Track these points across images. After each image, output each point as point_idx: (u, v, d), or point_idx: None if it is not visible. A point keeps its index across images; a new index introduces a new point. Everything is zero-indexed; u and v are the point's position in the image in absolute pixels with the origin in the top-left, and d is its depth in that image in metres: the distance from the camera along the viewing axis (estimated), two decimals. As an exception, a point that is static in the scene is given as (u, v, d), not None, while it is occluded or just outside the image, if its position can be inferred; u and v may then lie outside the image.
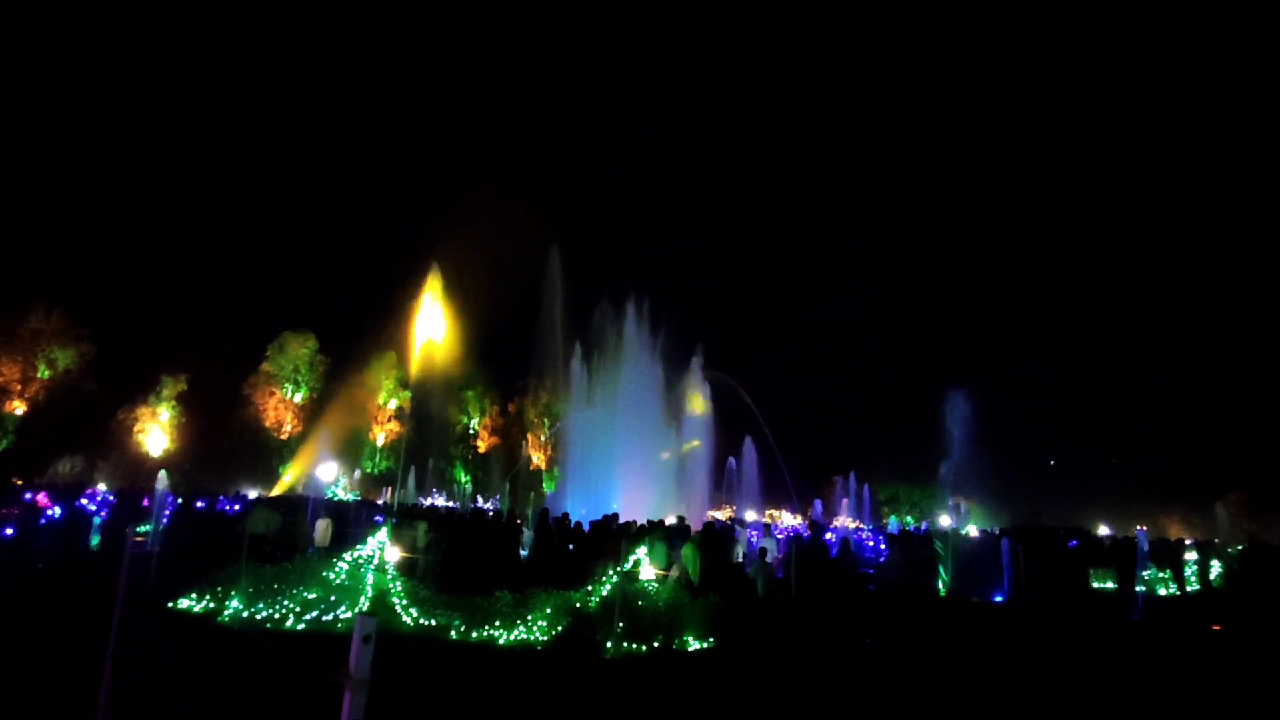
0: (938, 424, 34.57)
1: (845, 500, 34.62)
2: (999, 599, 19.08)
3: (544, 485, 48.52)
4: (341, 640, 12.38)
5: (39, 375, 49.72)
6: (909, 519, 38.85)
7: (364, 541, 14.44)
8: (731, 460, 34.05)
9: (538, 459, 51.90)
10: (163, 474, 24.51)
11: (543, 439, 52.21)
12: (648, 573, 14.64)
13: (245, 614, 12.90)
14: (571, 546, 17.79)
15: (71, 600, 14.23)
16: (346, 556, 14.13)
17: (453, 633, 12.57)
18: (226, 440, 50.92)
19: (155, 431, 52.25)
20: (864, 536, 27.11)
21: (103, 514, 20.84)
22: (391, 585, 13.71)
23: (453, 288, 47.01)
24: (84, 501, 20.79)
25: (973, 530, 28.74)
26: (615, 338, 30.31)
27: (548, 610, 12.86)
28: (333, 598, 13.31)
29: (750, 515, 31.29)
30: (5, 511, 20.43)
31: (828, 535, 23.09)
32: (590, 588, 13.60)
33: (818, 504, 32.95)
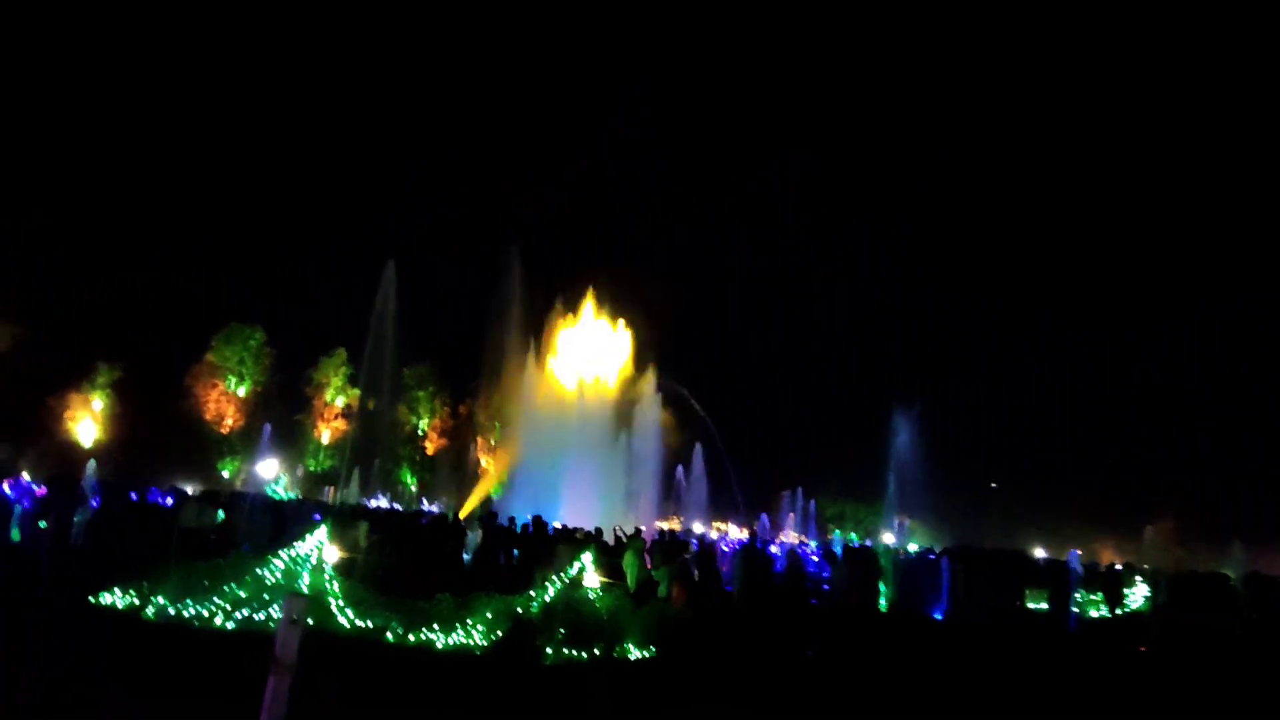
0: (885, 442, 35.15)
1: (792, 515, 34.91)
2: (938, 615, 19.39)
3: (492, 490, 47.98)
4: (271, 640, 12.04)
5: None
6: (854, 535, 39.35)
7: (302, 540, 14.06)
8: (680, 470, 34.09)
9: (486, 462, 51.34)
10: (92, 463, 23.62)
11: (493, 442, 51.68)
12: (592, 580, 14.52)
13: (172, 610, 12.43)
14: (516, 552, 17.60)
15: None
16: (282, 554, 13.72)
17: (390, 635, 12.28)
18: (164, 431, 49.29)
19: (87, 420, 50.44)
20: (808, 551, 27.34)
21: (25, 503, 19.96)
22: (329, 585, 13.34)
23: (409, 287, 46.30)
24: (5, 489, 19.87)
25: (913, 548, 29.23)
26: (568, 342, 30.19)
27: (488, 615, 12.64)
28: (265, 596, 12.90)
29: (697, 527, 31.35)
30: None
31: (772, 549, 23.24)
32: (533, 593, 13.43)
33: (764, 518, 33.22)
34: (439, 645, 12.01)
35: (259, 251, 55.71)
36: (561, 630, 12.24)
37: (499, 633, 12.24)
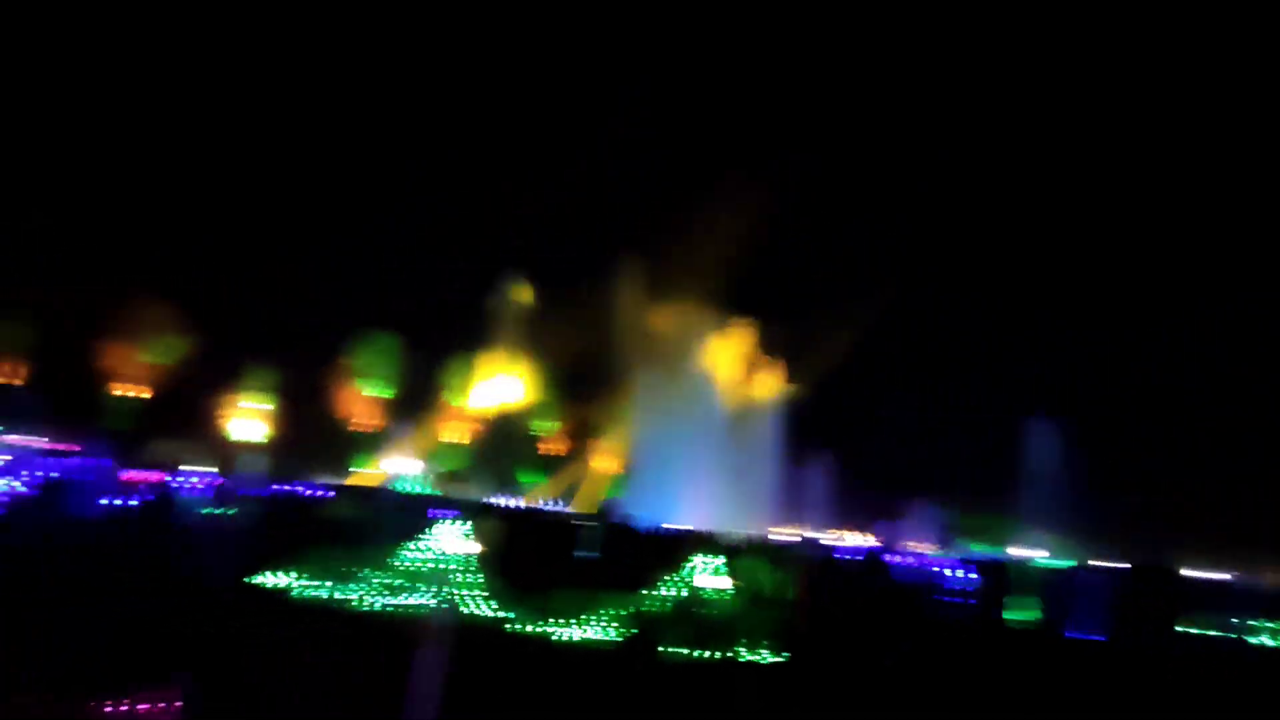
0: (1020, 451, 33.26)
1: (916, 524, 33.39)
2: (1090, 635, 17.99)
3: (612, 491, 48.51)
4: (410, 623, 12.71)
5: (149, 363, 52.06)
6: (986, 547, 37.23)
7: (437, 534, 14.77)
8: (798, 477, 33.31)
9: (607, 464, 51.95)
10: (250, 460, 25.48)
11: (610, 446, 52.22)
12: (710, 582, 14.51)
13: (319, 593, 13.31)
14: (635, 552, 17.74)
15: (164, 571, 14.93)
16: (420, 547, 14.48)
17: (517, 625, 12.69)
18: (310, 431, 52.43)
19: (246, 420, 54.21)
20: (937, 562, 26.20)
21: (196, 493, 21.76)
22: (461, 576, 13.97)
23: (534, 298, 47.67)
24: (180, 481, 21.73)
25: (1040, 557, 27.46)
26: (682, 349, 30.23)
27: (610, 611, 12.88)
28: (403, 583, 13.64)
29: (815, 534, 30.59)
30: (122, 484, 21.68)
31: (895, 558, 22.38)
32: (654, 592, 13.58)
33: (882, 525, 31.96)
34: (563, 638, 12.32)
35: (391, 263, 58.32)
36: (681, 629, 12.29)
37: (620, 628, 12.44)
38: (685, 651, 11.86)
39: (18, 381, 47.78)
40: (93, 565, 14.11)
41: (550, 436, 55.95)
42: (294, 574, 14.10)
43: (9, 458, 23.27)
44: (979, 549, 35.10)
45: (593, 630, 12.42)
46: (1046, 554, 31.79)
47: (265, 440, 52.72)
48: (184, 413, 51.15)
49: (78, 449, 34.72)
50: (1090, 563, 25.09)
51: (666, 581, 13.68)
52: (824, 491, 32.27)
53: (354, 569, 13.99)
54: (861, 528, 32.53)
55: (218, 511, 19.70)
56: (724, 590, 14.19)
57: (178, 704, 6.11)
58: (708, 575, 14.48)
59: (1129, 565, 26.96)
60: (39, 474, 21.78)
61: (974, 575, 24.00)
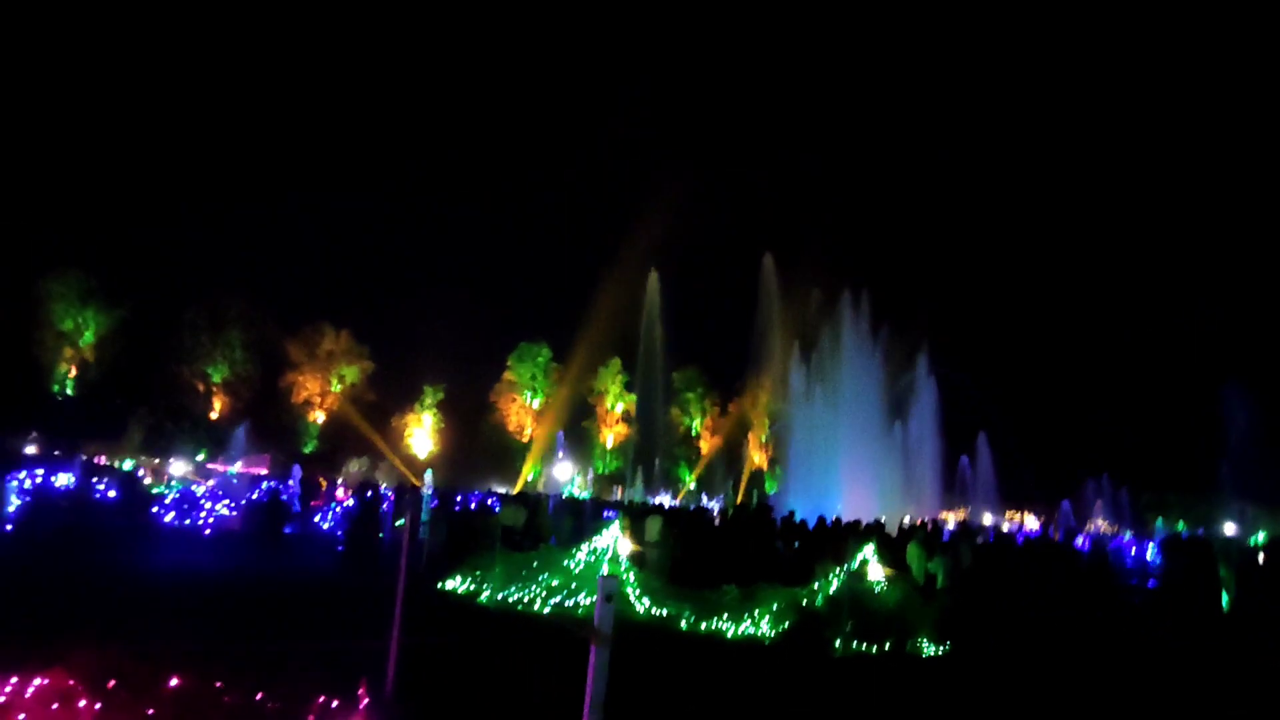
0: (1213, 421, 30.31)
1: (1099, 503, 31.06)
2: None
3: (766, 485, 48.43)
4: (582, 621, 13.34)
5: (333, 389, 57.40)
6: (1180, 525, 34.19)
7: (600, 535, 15.36)
8: (964, 459, 31.94)
9: (759, 459, 51.91)
10: (429, 473, 27.46)
11: (763, 439, 52.14)
12: (875, 573, 14.23)
13: (499, 596, 14.20)
14: (796, 545, 17.70)
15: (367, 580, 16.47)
16: (584, 548, 15.11)
17: (682, 623, 13.01)
18: (477, 443, 55.80)
19: (420, 435, 58.44)
20: (1125, 542, 24.40)
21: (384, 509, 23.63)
22: (625, 575, 14.46)
23: (669, 290, 48.32)
24: (370, 495, 23.76)
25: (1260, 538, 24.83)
26: (833, 334, 29.67)
27: (774, 606, 12.94)
28: (573, 585, 14.28)
29: (987, 518, 29.23)
30: (314, 504, 23.91)
31: (1078, 540, 21.01)
32: (816, 585, 13.50)
33: (1066, 505, 29.87)
34: (729, 634, 12.52)
35: (543, 272, 60.99)
36: (849, 623, 12.17)
37: (786, 623, 12.48)
38: (851, 645, 11.72)
39: (215, 415, 53.72)
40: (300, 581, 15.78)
41: (703, 432, 56.65)
42: (478, 579, 15.08)
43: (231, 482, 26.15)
44: (1167, 527, 32.24)
45: (759, 626, 12.53)
46: (1237, 529, 28.81)
47: (441, 454, 56.62)
48: (365, 434, 55.70)
49: (271, 474, 38.54)
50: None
51: (831, 574, 13.53)
52: (994, 471, 30.75)
53: (530, 572, 14.77)
54: (1037, 508, 30.69)
55: (401, 524, 21.25)
56: (890, 580, 13.87)
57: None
58: (873, 565, 14.19)
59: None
60: (255, 496, 24.30)
61: (1166, 557, 22.26)
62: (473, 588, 14.86)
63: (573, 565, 14.86)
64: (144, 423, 48.71)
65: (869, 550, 14.18)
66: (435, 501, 23.35)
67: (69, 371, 52.53)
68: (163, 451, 45.81)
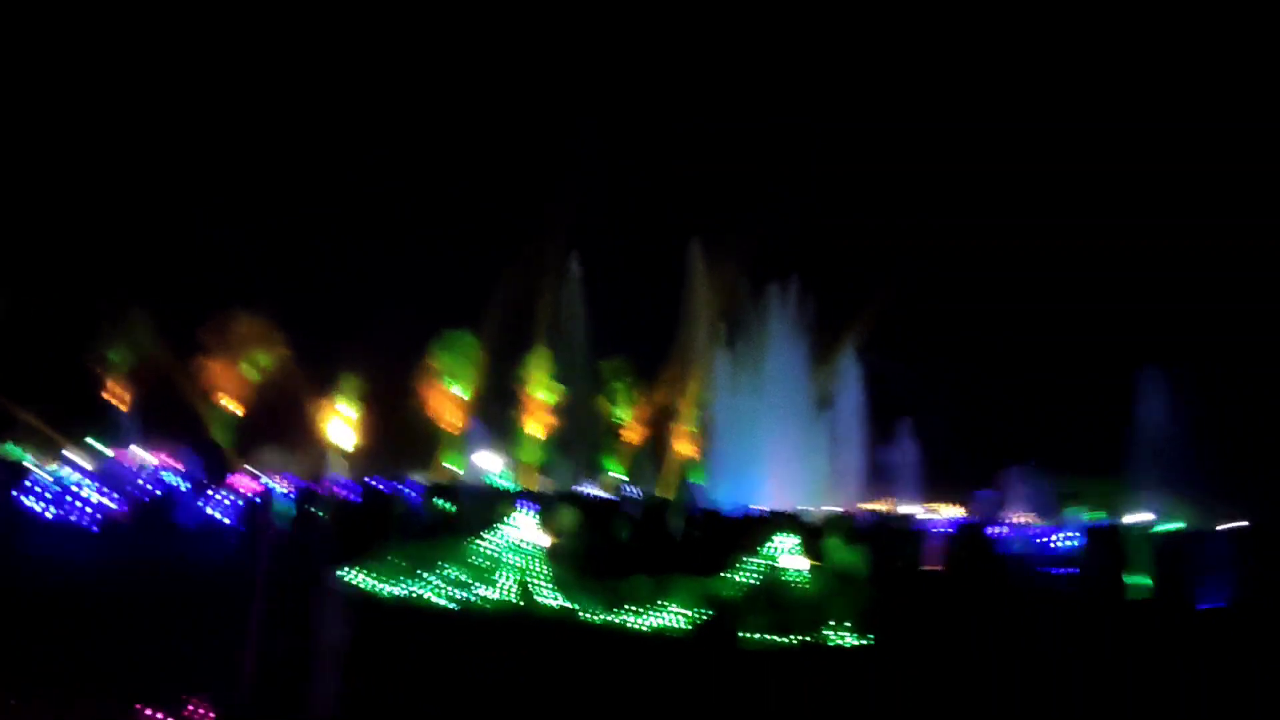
0: (1128, 409, 30.93)
1: (1015, 493, 31.48)
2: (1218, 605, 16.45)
3: (693, 476, 48.00)
4: (481, 619, 12.47)
5: (247, 376, 54.51)
6: (1097, 514, 34.89)
7: (508, 524, 14.47)
8: (888, 448, 31.95)
9: (686, 450, 51.49)
10: (340, 462, 26.03)
11: (690, 429, 51.73)
12: (795, 564, 13.71)
13: (395, 590, 13.17)
14: (712, 535, 17.13)
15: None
16: (491, 537, 14.19)
17: (587, 615, 12.24)
18: (401, 432, 53.88)
19: (340, 424, 56.03)
20: (1041, 532, 24.65)
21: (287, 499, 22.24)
22: (534, 566, 13.61)
23: (594, 276, 47.57)
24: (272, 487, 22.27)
25: (1173, 526, 25.43)
26: (758, 322, 29.29)
27: (685, 596, 12.27)
28: (478, 577, 13.36)
29: (908, 509, 29.28)
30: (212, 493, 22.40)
31: (995, 530, 21.05)
32: (731, 575, 12.91)
33: (983, 494, 30.19)
34: (637, 626, 11.79)
35: (462, 255, 59.27)
36: (766, 614, 11.59)
37: (697, 615, 11.83)
38: (765, 637, 11.11)
39: (118, 402, 50.64)
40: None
41: (628, 423, 55.91)
42: (371, 571, 13.98)
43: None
44: (1086, 516, 32.96)
45: (668, 617, 11.83)
46: (1153, 517, 29.54)
47: (356, 443, 54.48)
48: (278, 422, 53.23)
49: (178, 464, 36.44)
50: (1207, 525, 23.13)
51: (745, 564, 12.93)
52: (913, 462, 30.84)
53: (431, 563, 13.76)
54: (954, 499, 30.97)
55: (304, 513, 19.97)
56: (806, 571, 13.36)
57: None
58: (788, 556, 13.64)
59: (1248, 524, 24.77)
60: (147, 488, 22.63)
61: (1081, 542, 22.52)
62: (368, 581, 13.79)
63: (478, 556, 13.92)
64: (40, 411, 45.60)
65: (787, 540, 13.64)
66: (294, 494, 22.01)
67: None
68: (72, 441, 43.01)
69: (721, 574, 12.95)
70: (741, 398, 28.75)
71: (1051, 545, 24.09)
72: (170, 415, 48.76)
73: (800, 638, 11.32)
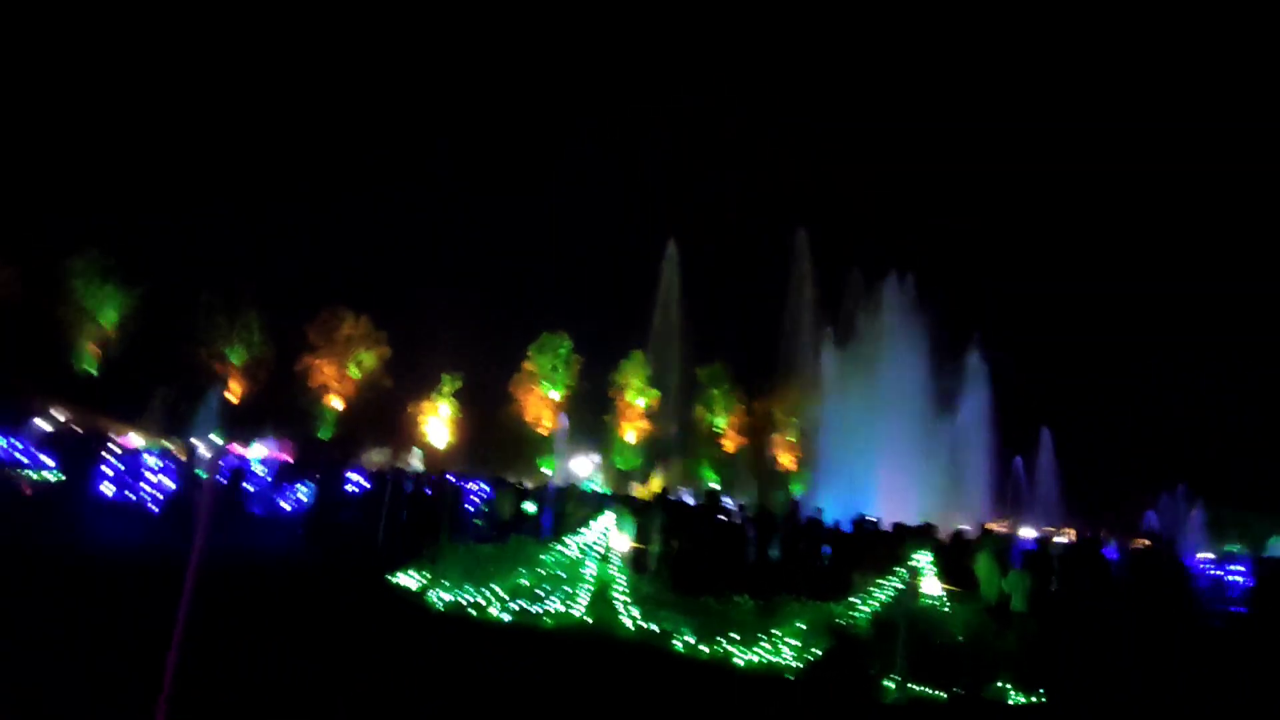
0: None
1: (1174, 519, 26.88)
2: None
3: (792, 487, 44.73)
4: (544, 639, 10.18)
5: (350, 375, 54.97)
6: (1237, 546, 29.89)
7: (588, 528, 12.11)
8: (1019, 461, 28.09)
9: (785, 460, 48.26)
10: (416, 451, 24.47)
11: (791, 439, 48.45)
12: (931, 588, 10.73)
13: (451, 596, 10.99)
14: (828, 550, 14.27)
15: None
16: (568, 540, 11.86)
17: (678, 643, 9.69)
18: (495, 434, 52.95)
19: (437, 424, 55.68)
20: (1206, 565, 20.55)
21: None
22: (614, 578, 11.18)
23: (696, 285, 45.08)
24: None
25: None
26: (872, 318, 26.07)
27: (800, 625, 9.56)
28: (545, 586, 11.04)
29: (1029, 530, 25.37)
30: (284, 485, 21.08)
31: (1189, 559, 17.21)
32: (857, 600, 10.10)
33: (1150, 516, 25.74)
34: (739, 662, 9.18)
35: (567, 261, 57.95)
36: (903, 653, 8.75)
37: (816, 650, 9.12)
38: (903, 683, 8.26)
39: (234, 398, 51.58)
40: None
41: (725, 430, 53.10)
42: (432, 573, 11.87)
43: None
44: (1241, 549, 28.06)
45: (780, 652, 9.13)
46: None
47: (458, 444, 53.84)
48: (381, 420, 53.16)
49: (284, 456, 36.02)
50: None
51: (874, 587, 10.09)
52: (1047, 478, 26.83)
53: (493, 568, 11.53)
54: (1099, 520, 26.64)
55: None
56: (950, 599, 10.37)
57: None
58: (929, 579, 10.66)
59: None
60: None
61: (1247, 580, 18.59)
62: (424, 583, 11.73)
63: (549, 561, 11.62)
64: (164, 402, 46.81)
65: (924, 558, 10.67)
66: (428, 488, 20.18)
67: (89, 349, 50.82)
68: (181, 432, 43.76)
69: (845, 599, 10.20)
70: (851, 401, 25.54)
71: (1227, 581, 20.08)
72: (278, 410, 49.19)
73: (954, 689, 8.43)
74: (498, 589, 10.79)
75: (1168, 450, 32.60)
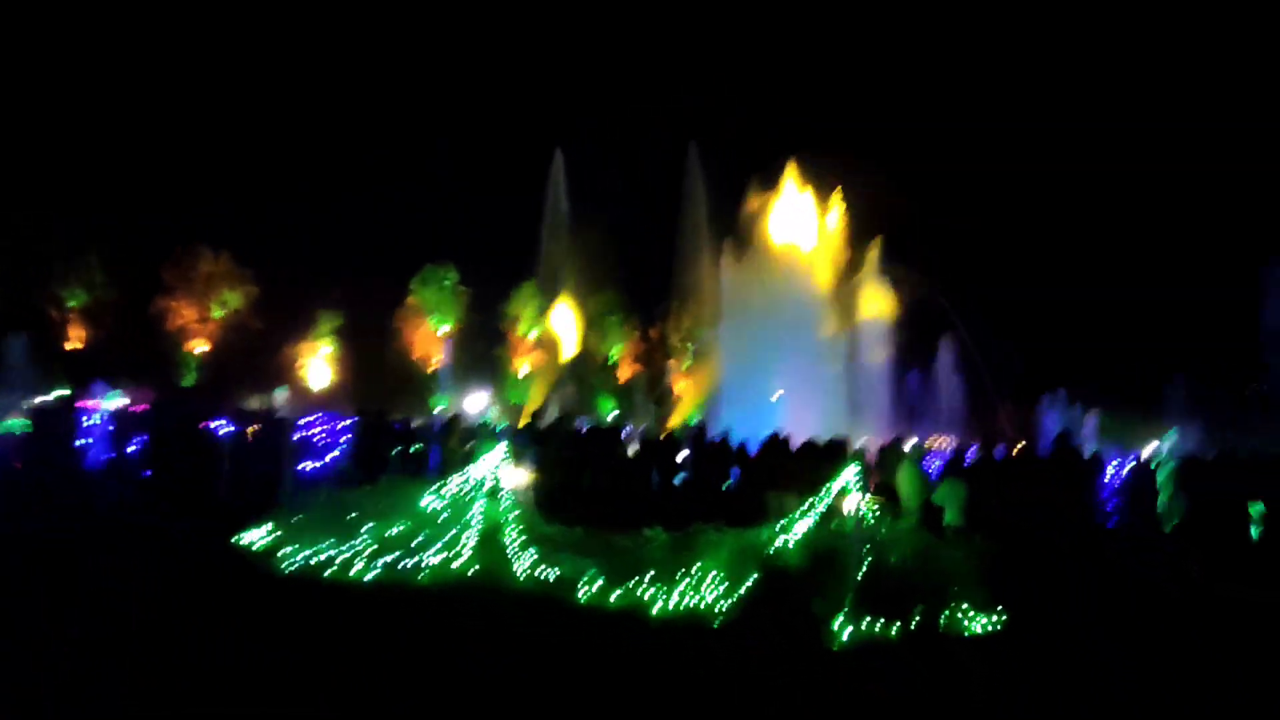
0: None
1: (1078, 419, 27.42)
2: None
3: (689, 413, 43.97)
4: (418, 597, 8.30)
5: (213, 316, 50.08)
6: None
7: (484, 464, 10.16)
8: (913, 375, 27.81)
9: (681, 386, 47.40)
10: (280, 391, 21.65)
11: (685, 366, 47.56)
12: (853, 505, 9.44)
13: (304, 556, 8.90)
14: (737, 473, 12.92)
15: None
16: (452, 478, 9.89)
17: (581, 592, 8.03)
18: (380, 372, 49.61)
19: (318, 366, 51.74)
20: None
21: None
22: (505, 518, 9.35)
23: (584, 205, 42.73)
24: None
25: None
26: (768, 234, 24.68)
27: (724, 557, 8.06)
28: (423, 535, 9.09)
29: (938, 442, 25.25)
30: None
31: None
32: (783, 526, 8.68)
33: (1051, 418, 25.99)
34: (655, 609, 7.61)
35: (441, 189, 54.08)
36: (839, 583, 7.39)
37: (743, 588, 7.66)
38: (853, 621, 6.87)
39: (80, 345, 46.02)
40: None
41: (623, 359, 51.70)
42: (286, 530, 9.66)
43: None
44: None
45: (704, 593, 7.60)
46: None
47: (342, 384, 50.19)
48: (253, 363, 48.79)
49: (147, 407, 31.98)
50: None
51: (798, 511, 8.66)
52: (960, 391, 26.66)
53: (361, 516, 9.44)
54: (990, 427, 26.84)
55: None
56: (885, 517, 9.12)
57: None
58: (855, 497, 9.33)
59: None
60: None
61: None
62: (273, 541, 9.57)
63: (429, 505, 9.65)
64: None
65: (850, 474, 9.32)
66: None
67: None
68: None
69: (770, 525, 8.80)
70: (750, 316, 24.27)
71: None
72: (133, 358, 44.09)
73: (908, 623, 7.13)
74: (364, 542, 8.77)
75: (1049, 358, 33.45)
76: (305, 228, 53.85)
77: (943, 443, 26.10)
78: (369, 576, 8.37)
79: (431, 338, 50.12)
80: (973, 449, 19.66)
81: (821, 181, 24.75)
